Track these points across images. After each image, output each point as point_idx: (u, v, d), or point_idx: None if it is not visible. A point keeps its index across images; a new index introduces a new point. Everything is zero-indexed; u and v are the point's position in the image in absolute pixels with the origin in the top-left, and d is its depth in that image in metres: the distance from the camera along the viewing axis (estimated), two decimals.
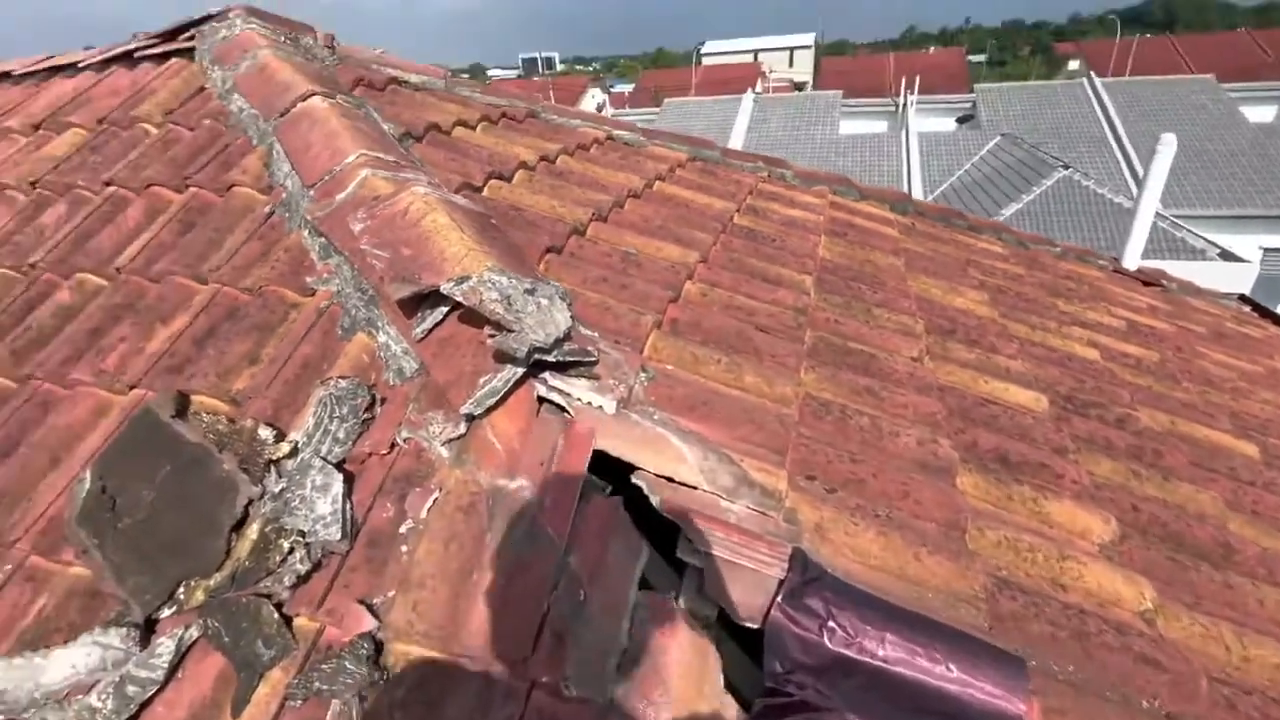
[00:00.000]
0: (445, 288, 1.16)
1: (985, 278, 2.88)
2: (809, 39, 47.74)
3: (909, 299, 2.30)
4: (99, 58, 2.71)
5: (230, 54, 2.34)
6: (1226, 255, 10.93)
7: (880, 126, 21.38)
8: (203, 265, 1.70)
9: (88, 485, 1.28)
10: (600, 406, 1.20)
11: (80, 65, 2.74)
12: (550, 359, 1.18)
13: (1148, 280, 3.87)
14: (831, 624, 0.95)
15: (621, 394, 1.24)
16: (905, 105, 20.36)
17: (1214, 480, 1.79)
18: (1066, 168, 14.07)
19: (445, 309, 1.28)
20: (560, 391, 1.21)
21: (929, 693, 0.91)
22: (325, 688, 0.97)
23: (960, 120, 21.61)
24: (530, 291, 1.18)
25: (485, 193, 2.00)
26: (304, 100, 1.99)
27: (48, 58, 2.86)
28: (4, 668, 1.07)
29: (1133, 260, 4.45)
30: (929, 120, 20.79)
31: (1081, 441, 1.79)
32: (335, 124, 1.86)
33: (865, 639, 0.94)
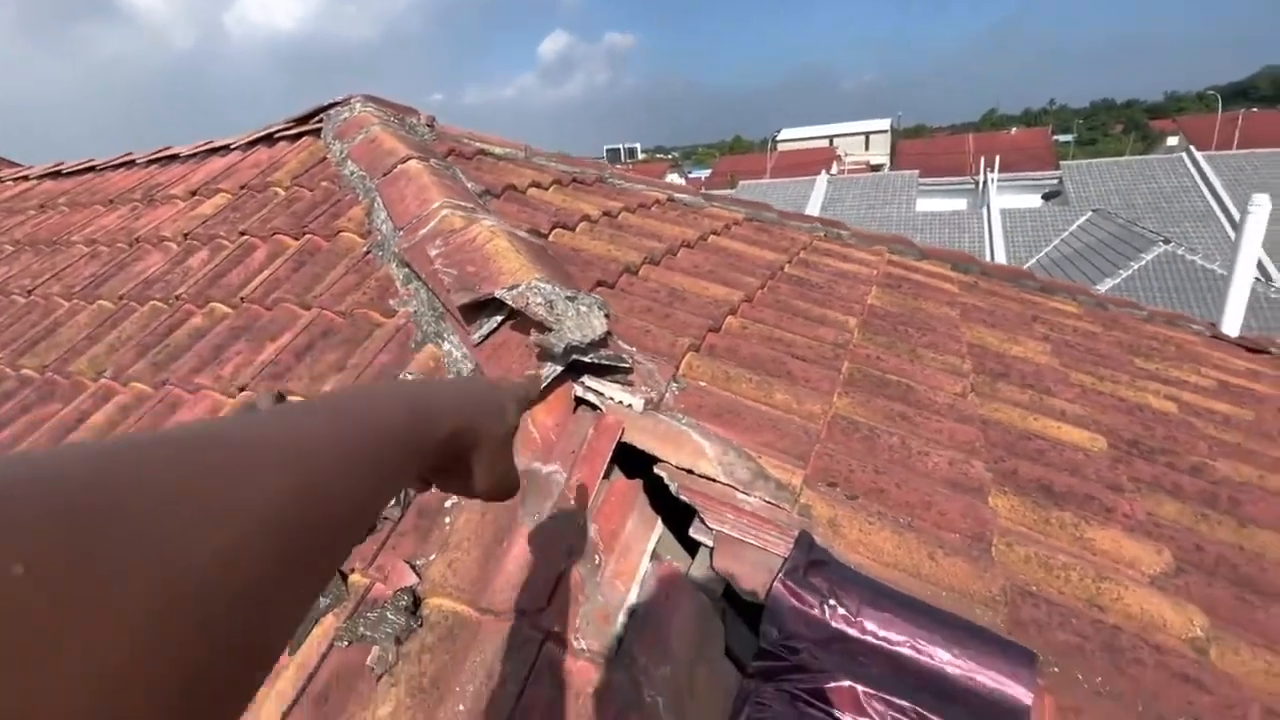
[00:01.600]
0: (498, 293, 1.34)
1: (1051, 331, 2.80)
2: (885, 124, 48.65)
3: (960, 344, 2.29)
4: (246, 139, 3.27)
5: (348, 130, 2.78)
6: None
7: (959, 204, 21.11)
8: (308, 294, 1.99)
9: None
10: (630, 405, 1.32)
11: (231, 146, 3.32)
12: (587, 360, 1.32)
13: (1252, 347, 3.59)
14: (833, 601, 0.98)
15: (652, 397, 1.35)
16: (986, 183, 20.10)
17: None
18: (1167, 242, 13.37)
19: (500, 317, 1.45)
20: (595, 391, 1.34)
21: (931, 673, 0.91)
22: (368, 633, 1.09)
23: (1046, 197, 20.99)
24: (571, 299, 1.34)
25: (550, 238, 2.24)
26: (403, 163, 2.33)
27: (207, 142, 3.48)
28: None
29: (1232, 327, 4.17)
30: (1012, 197, 20.32)
31: (1142, 483, 1.70)
32: (426, 180, 2.16)
33: (867, 618, 0.96)
